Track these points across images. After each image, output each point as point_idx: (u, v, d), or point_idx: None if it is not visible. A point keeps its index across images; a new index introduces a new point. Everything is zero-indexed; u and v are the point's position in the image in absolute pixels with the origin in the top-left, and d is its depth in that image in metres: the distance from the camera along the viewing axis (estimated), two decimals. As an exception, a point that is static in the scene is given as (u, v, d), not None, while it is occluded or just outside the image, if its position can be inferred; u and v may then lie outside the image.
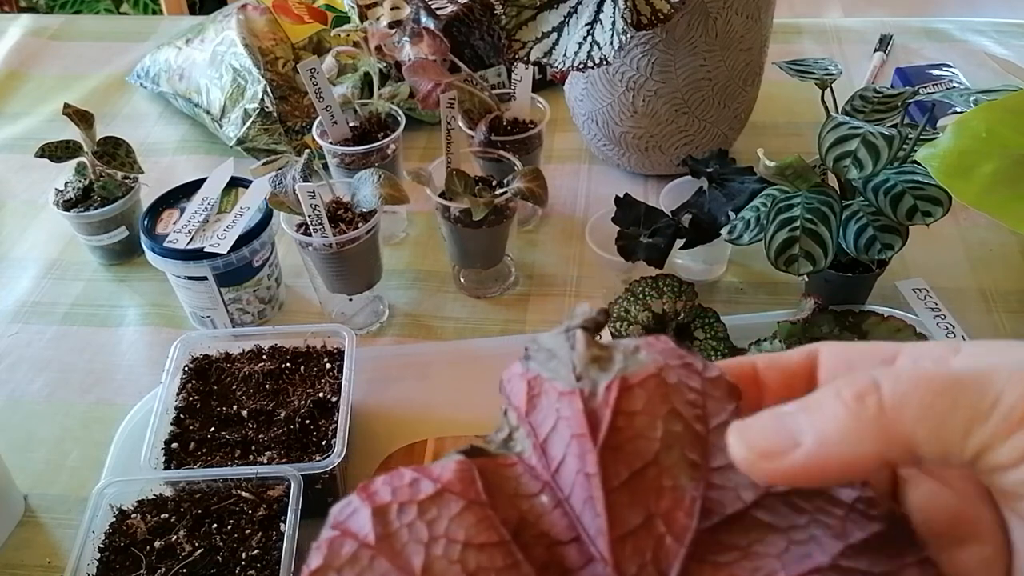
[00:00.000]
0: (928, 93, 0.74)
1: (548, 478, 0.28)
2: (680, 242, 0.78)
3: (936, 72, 1.11)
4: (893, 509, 0.26)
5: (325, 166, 0.90)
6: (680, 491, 0.27)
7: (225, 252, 0.79)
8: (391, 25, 0.90)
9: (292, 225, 0.78)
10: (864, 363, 0.28)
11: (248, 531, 0.62)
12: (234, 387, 0.73)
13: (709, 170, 0.81)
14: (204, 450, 0.68)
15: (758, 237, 0.71)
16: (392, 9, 0.92)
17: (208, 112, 1.08)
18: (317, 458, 0.66)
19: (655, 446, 0.27)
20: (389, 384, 0.79)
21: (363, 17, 0.94)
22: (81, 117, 0.89)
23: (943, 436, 0.23)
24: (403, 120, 0.91)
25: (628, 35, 0.75)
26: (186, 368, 0.75)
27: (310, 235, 0.76)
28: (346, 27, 0.97)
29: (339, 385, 0.71)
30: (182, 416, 0.71)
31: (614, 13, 0.75)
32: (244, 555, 0.60)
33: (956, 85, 1.08)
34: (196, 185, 0.87)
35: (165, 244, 0.80)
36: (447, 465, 0.28)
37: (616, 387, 0.28)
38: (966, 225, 0.93)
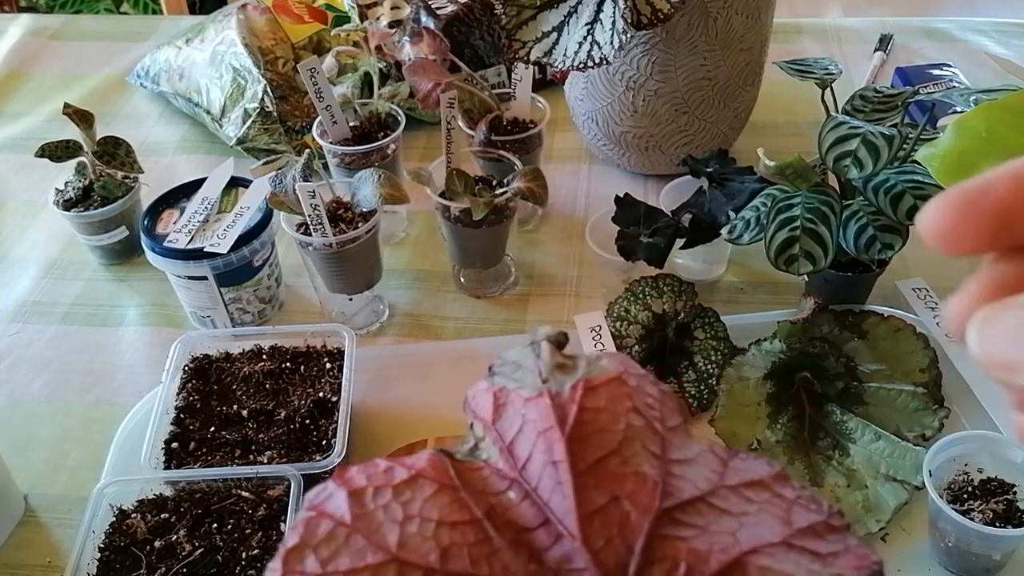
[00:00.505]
0: (928, 93, 0.74)
1: (515, 475, 0.29)
2: (680, 242, 0.78)
3: (936, 72, 1.11)
4: (831, 506, 0.28)
5: (325, 166, 0.90)
6: (642, 476, 0.28)
7: (225, 252, 0.79)
8: (391, 25, 0.90)
9: (292, 225, 0.78)
10: None
11: (248, 531, 0.62)
12: (234, 387, 0.73)
13: (709, 170, 0.81)
14: (204, 450, 0.68)
15: (758, 237, 0.71)
16: (392, 9, 0.92)
17: (208, 112, 1.08)
18: (317, 458, 0.66)
19: (618, 437, 0.29)
20: (389, 384, 0.79)
21: (363, 17, 0.94)
22: (81, 117, 0.89)
23: None
24: (403, 120, 0.91)
25: (628, 35, 0.75)
26: (186, 368, 0.75)
27: (310, 235, 0.76)
28: (346, 27, 0.97)
29: (339, 385, 0.71)
30: (182, 416, 0.71)
31: (614, 13, 0.75)
32: (244, 555, 0.60)
33: (956, 85, 1.08)
34: (196, 185, 0.87)
35: (165, 244, 0.80)
36: (421, 456, 0.29)
37: (581, 387, 0.30)
38: (966, 225, 0.93)
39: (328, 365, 0.74)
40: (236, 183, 0.87)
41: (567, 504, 0.28)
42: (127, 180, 0.94)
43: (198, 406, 0.71)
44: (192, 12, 2.00)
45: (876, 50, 1.22)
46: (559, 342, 0.32)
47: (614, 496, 0.28)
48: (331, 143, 0.89)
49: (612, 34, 0.76)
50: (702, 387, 0.74)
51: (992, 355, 0.21)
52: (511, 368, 0.31)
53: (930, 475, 0.61)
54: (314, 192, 0.73)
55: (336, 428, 0.68)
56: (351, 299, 0.84)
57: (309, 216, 0.75)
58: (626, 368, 0.31)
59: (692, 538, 0.27)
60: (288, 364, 0.75)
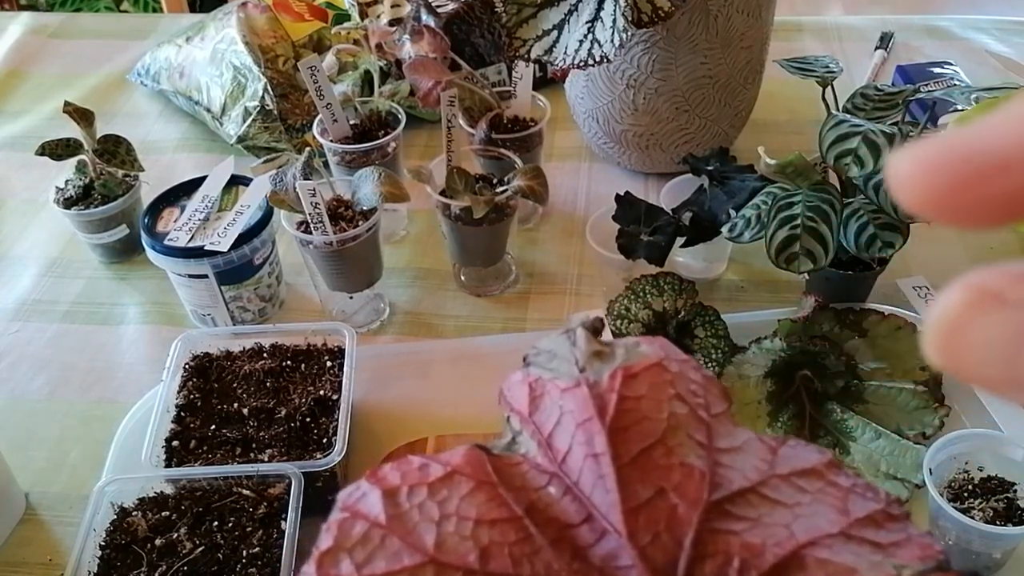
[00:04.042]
0: (929, 91, 0.74)
1: (555, 469, 0.28)
2: (680, 240, 0.78)
3: (937, 70, 1.11)
4: (888, 493, 0.27)
5: (325, 164, 0.90)
6: (689, 467, 0.27)
7: (226, 250, 0.79)
8: (391, 23, 0.90)
9: (293, 223, 0.78)
10: None
11: (249, 529, 0.62)
12: (235, 385, 0.73)
13: (710, 168, 0.81)
14: (205, 448, 0.68)
15: (759, 235, 0.71)
16: (392, 7, 0.92)
17: (208, 110, 1.08)
18: (318, 456, 0.66)
19: (662, 426, 0.27)
20: (390, 382, 0.79)
21: (363, 15, 0.94)
22: (81, 115, 0.89)
23: None
24: (403, 118, 0.91)
25: (629, 33, 0.75)
26: (187, 366, 0.75)
27: (311, 233, 0.76)
28: (346, 25, 0.97)
29: (340, 383, 0.71)
30: (183, 414, 0.71)
31: (615, 11, 0.75)
32: (245, 553, 0.60)
33: (957, 83, 1.08)
34: (196, 183, 0.87)
35: (166, 242, 0.80)
36: (456, 451, 0.28)
37: (620, 375, 0.28)
38: (967, 223, 0.93)
39: (329, 363, 0.74)
40: (236, 181, 0.87)
41: (611, 498, 0.26)
42: (127, 178, 0.93)
43: (199, 404, 0.71)
44: (192, 10, 2.00)
45: (877, 48, 1.22)
46: (595, 328, 0.30)
47: (660, 489, 0.26)
48: (331, 141, 0.89)
49: (613, 32, 0.75)
50: (702, 385, 0.74)
51: (975, 375, 0.16)
52: (546, 357, 0.29)
53: (930, 473, 0.61)
54: (314, 190, 0.73)
55: (336, 426, 0.68)
56: (351, 297, 0.84)
57: (309, 214, 0.75)
58: (667, 353, 0.29)
59: (745, 531, 0.26)
60: (289, 362, 0.75)
